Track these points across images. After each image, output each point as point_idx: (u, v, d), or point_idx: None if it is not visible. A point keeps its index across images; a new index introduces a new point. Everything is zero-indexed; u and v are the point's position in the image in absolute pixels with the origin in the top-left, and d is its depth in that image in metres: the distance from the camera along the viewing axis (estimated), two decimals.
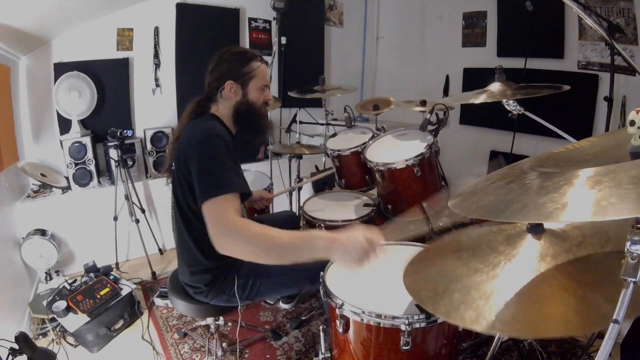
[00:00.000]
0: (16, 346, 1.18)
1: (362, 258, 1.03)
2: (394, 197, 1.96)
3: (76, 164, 2.68)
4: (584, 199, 0.58)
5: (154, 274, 2.67)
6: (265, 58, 1.56)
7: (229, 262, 1.38)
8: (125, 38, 3.00)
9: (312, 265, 1.37)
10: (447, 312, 0.80)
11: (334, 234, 1.08)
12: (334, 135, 2.47)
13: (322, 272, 1.23)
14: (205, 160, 1.22)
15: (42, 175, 2.61)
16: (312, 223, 1.94)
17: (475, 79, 3.28)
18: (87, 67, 2.77)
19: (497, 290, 0.79)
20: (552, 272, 0.78)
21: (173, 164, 1.39)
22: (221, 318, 1.72)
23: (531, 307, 0.74)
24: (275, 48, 3.12)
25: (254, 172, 2.66)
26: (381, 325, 1.04)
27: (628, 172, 0.59)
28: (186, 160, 1.27)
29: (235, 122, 1.46)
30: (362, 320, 1.05)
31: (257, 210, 2.10)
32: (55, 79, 2.67)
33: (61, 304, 1.97)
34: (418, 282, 0.95)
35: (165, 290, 2.12)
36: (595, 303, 0.70)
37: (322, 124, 3.25)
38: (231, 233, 1.10)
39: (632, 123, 0.66)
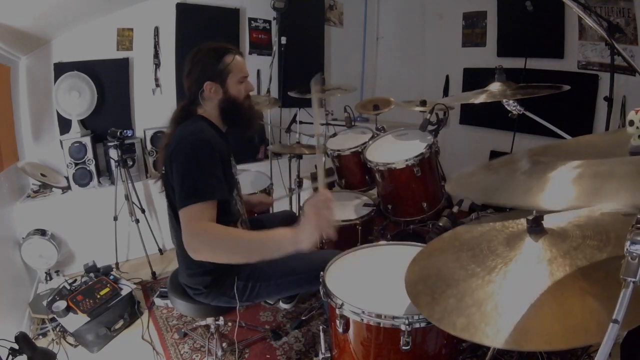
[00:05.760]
0: (16, 346, 1.19)
1: (321, 225, 1.11)
2: (394, 197, 1.96)
3: (76, 164, 2.68)
4: (571, 185, 0.60)
5: (154, 274, 2.67)
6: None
7: (227, 264, 1.38)
8: (125, 38, 3.00)
9: (311, 267, 1.38)
10: (440, 318, 0.79)
11: (295, 226, 1.15)
12: (334, 135, 2.47)
13: (322, 272, 1.23)
14: (187, 165, 1.22)
15: (42, 175, 2.61)
16: None
17: (475, 79, 3.29)
18: (87, 67, 2.77)
19: (489, 298, 0.78)
20: (544, 280, 0.77)
21: (164, 168, 1.38)
22: (221, 318, 1.72)
23: (517, 318, 0.72)
24: (275, 48, 3.12)
25: (254, 172, 2.66)
26: (381, 325, 1.04)
27: (619, 165, 0.60)
28: (172, 163, 1.27)
29: (223, 121, 1.45)
30: (362, 320, 1.05)
31: (255, 212, 2.09)
32: (55, 79, 2.67)
33: (61, 304, 1.97)
34: (417, 283, 0.95)
35: (165, 290, 2.12)
36: (581, 317, 0.70)
37: (322, 124, 3.25)
38: (199, 236, 1.15)
39: (632, 123, 0.66)
